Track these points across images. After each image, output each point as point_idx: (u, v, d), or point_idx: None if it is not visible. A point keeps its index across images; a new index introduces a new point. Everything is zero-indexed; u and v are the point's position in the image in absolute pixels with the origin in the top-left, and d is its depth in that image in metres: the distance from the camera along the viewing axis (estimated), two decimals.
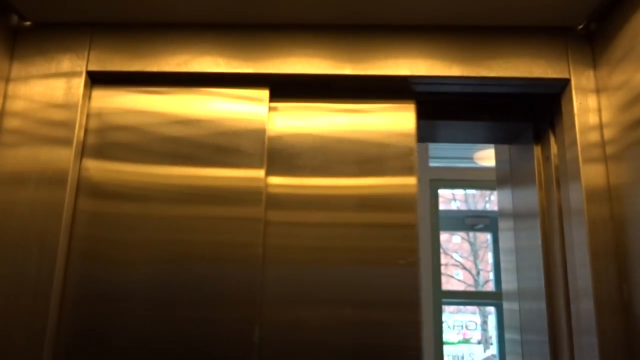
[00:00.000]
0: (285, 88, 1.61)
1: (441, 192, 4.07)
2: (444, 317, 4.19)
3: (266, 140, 1.54)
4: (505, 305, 1.92)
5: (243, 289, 1.44)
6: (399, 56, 1.56)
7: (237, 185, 1.51)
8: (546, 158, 1.67)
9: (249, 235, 1.48)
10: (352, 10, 1.52)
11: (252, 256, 1.46)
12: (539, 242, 1.66)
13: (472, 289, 11.59)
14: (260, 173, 1.51)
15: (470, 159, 4.05)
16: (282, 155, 1.56)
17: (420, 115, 1.61)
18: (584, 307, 1.41)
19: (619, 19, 1.42)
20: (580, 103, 1.50)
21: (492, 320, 10.12)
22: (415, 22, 1.57)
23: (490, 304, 5.22)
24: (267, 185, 1.52)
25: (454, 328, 12.19)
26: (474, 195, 10.85)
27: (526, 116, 1.76)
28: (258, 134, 1.54)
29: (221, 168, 1.52)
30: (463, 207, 10.76)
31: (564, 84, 1.54)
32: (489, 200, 10.52)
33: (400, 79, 1.56)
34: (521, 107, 1.76)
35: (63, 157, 1.49)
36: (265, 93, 1.59)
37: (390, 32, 1.58)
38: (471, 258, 11.89)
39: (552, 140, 1.64)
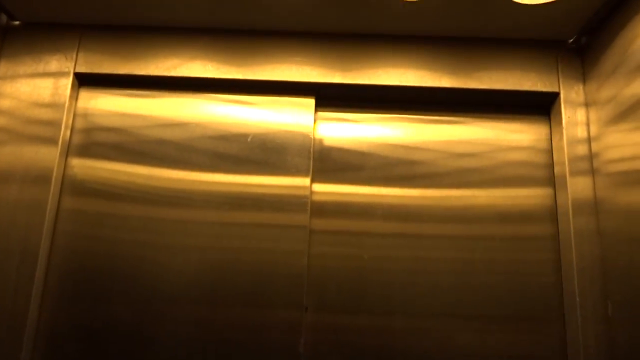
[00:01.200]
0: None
1: None
2: None
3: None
4: None
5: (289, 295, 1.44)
6: (389, 66, 1.56)
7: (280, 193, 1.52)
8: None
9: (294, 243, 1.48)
10: (343, 19, 1.52)
11: (297, 264, 1.46)
12: None
13: None
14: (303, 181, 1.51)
15: None
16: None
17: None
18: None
19: (608, 33, 1.42)
20: (569, 117, 1.49)
21: None
22: (407, 32, 1.57)
23: None
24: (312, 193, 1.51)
25: None
26: None
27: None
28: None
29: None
30: None
31: (554, 97, 1.54)
32: None
33: (390, 88, 1.56)
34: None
35: (48, 155, 1.48)
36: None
37: (382, 42, 1.58)
38: None
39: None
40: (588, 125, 1.48)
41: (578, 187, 1.44)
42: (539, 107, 1.59)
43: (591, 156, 1.46)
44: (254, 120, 1.57)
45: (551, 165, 1.54)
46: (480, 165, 1.55)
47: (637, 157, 1.27)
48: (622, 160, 1.34)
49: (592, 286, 1.37)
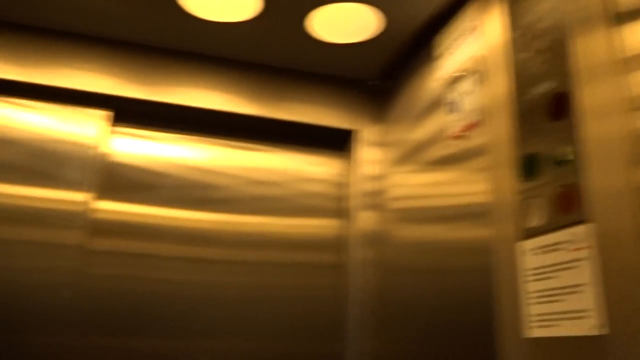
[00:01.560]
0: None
1: None
2: None
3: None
4: None
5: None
6: (194, 86, 1.52)
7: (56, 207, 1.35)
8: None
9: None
10: (150, 30, 1.45)
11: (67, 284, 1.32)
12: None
13: None
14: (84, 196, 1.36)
15: None
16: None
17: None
18: None
19: (401, 80, 1.53)
20: (363, 154, 1.58)
21: None
22: (217, 53, 1.55)
23: None
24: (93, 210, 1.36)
25: None
26: None
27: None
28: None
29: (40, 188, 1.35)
30: None
31: (351, 135, 1.61)
32: None
33: (193, 110, 1.52)
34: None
35: None
36: (105, 114, 1.48)
37: (189, 60, 1.54)
38: None
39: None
40: (378, 164, 1.58)
41: (366, 220, 1.52)
42: (338, 142, 1.66)
43: (378, 193, 1.55)
44: (36, 127, 1.43)
45: (345, 198, 1.60)
46: (278, 194, 1.57)
47: (410, 196, 1.37)
48: (400, 198, 1.43)
49: (373, 307, 1.44)
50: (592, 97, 0.85)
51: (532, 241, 0.92)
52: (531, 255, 0.92)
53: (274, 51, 1.52)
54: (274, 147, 1.62)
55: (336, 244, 1.57)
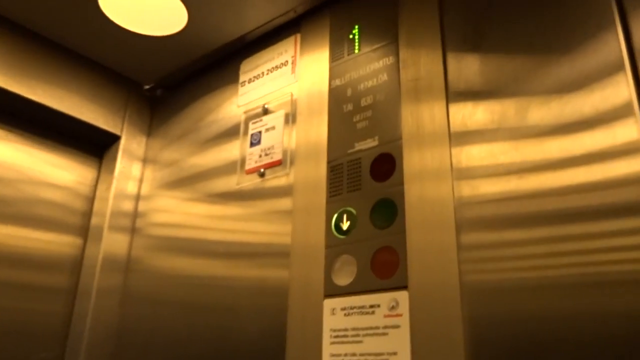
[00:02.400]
0: None
1: None
2: None
3: None
4: None
5: None
6: None
7: None
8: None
9: None
10: None
11: None
12: None
13: None
14: None
15: None
16: None
17: None
18: None
19: (192, 96, 1.36)
20: (123, 167, 1.34)
21: None
22: None
23: None
24: None
25: None
26: None
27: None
28: None
29: None
30: None
31: (113, 140, 1.36)
32: None
33: None
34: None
35: None
36: None
37: None
38: None
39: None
40: (141, 181, 1.36)
41: (114, 242, 1.28)
42: (94, 146, 1.38)
43: (136, 214, 1.33)
44: None
45: (93, 214, 1.33)
46: (1, 194, 1.21)
47: (181, 225, 1.21)
48: (166, 225, 1.25)
49: (106, 341, 1.20)
50: (416, 162, 0.87)
51: (341, 300, 0.88)
52: (338, 314, 0.87)
53: (48, 16, 1.19)
54: (9, 132, 1.25)
55: (72, 266, 1.27)
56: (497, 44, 0.85)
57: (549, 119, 0.76)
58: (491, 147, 0.80)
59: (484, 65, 0.85)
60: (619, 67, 0.72)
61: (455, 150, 0.84)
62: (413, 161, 0.87)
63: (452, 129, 0.85)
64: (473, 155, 0.82)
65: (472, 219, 0.79)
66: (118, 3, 1.13)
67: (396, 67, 0.95)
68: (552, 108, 0.76)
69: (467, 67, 0.87)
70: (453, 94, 0.87)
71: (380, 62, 0.98)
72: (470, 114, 0.84)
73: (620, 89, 0.71)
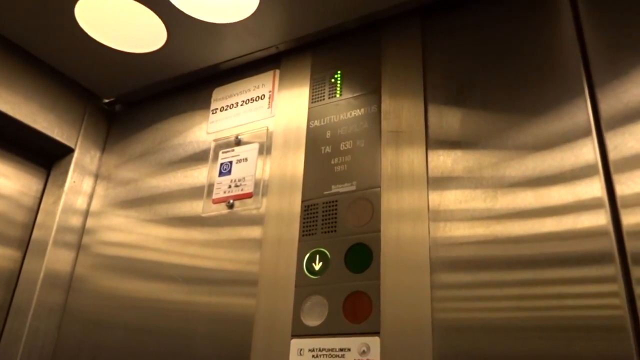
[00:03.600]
0: None
1: None
2: None
3: None
4: None
5: None
6: None
7: None
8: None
9: None
10: None
11: None
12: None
13: None
14: None
15: None
16: None
17: None
18: None
19: (156, 116, 1.32)
20: (74, 182, 1.27)
21: None
22: None
23: None
24: None
25: None
26: None
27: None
28: None
29: None
30: None
31: (66, 152, 1.30)
32: None
33: None
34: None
35: None
36: None
37: None
38: None
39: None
40: (91, 198, 1.30)
41: (58, 258, 1.20)
42: (43, 157, 1.30)
43: (83, 231, 1.26)
44: None
45: (37, 227, 1.24)
46: None
47: (131, 245, 1.17)
48: (115, 244, 1.20)
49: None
50: (393, 205, 0.90)
51: (309, 340, 0.88)
52: (306, 355, 0.87)
53: (19, 20, 1.12)
54: None
55: (7, 280, 1.19)
56: (477, 104, 0.91)
57: (522, 172, 0.83)
58: (467, 194, 0.85)
59: (464, 121, 0.91)
60: (587, 132, 0.80)
61: (432, 195, 0.88)
62: (391, 205, 0.91)
63: (430, 175, 0.90)
64: (450, 200, 0.86)
65: (446, 259, 0.83)
66: (95, 14, 1.10)
67: (378, 116, 0.99)
68: (525, 163, 0.83)
69: (448, 121, 0.92)
70: (433, 143, 0.92)
71: (362, 110, 1.02)
72: (449, 162, 0.89)
73: (586, 150, 0.79)
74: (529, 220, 0.79)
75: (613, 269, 0.71)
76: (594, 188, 0.76)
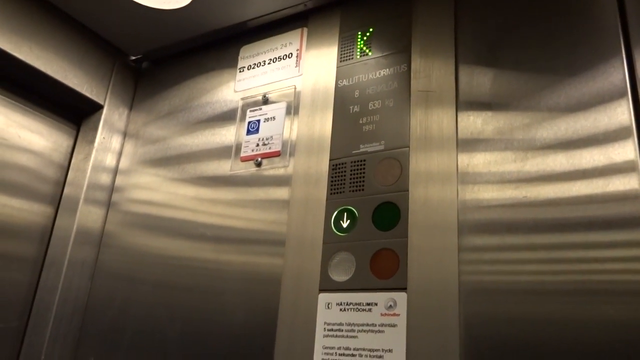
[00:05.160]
0: None
1: None
2: None
3: None
4: None
5: None
6: None
7: None
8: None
9: None
10: None
11: None
12: None
13: None
14: None
15: None
16: None
17: None
18: None
19: (183, 74, 1.32)
20: (103, 138, 1.30)
21: None
22: None
23: None
24: None
25: None
26: None
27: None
28: None
29: None
30: None
31: (95, 109, 1.31)
32: None
33: None
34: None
35: None
36: None
37: None
38: None
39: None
40: (120, 155, 1.32)
41: (89, 215, 1.24)
42: (73, 113, 1.32)
43: (113, 189, 1.29)
44: None
45: (67, 184, 1.27)
46: None
47: (160, 204, 1.19)
48: (144, 202, 1.23)
49: (73, 315, 1.17)
50: (422, 167, 0.91)
51: (337, 295, 0.90)
52: (333, 309, 0.90)
53: None
54: None
55: (40, 235, 1.22)
56: (509, 64, 0.90)
57: (553, 134, 0.82)
58: (497, 156, 0.85)
59: (495, 81, 0.90)
60: (622, 93, 0.79)
61: (461, 156, 0.88)
62: (419, 166, 0.91)
63: (459, 136, 0.90)
64: (479, 162, 0.87)
65: (474, 222, 0.84)
66: None
67: (407, 76, 0.99)
68: (557, 125, 0.82)
69: (479, 82, 0.92)
70: (463, 104, 0.92)
71: (392, 69, 1.01)
72: (479, 123, 0.89)
73: (621, 113, 0.78)
74: (559, 183, 0.79)
75: None
76: (628, 151, 0.76)
